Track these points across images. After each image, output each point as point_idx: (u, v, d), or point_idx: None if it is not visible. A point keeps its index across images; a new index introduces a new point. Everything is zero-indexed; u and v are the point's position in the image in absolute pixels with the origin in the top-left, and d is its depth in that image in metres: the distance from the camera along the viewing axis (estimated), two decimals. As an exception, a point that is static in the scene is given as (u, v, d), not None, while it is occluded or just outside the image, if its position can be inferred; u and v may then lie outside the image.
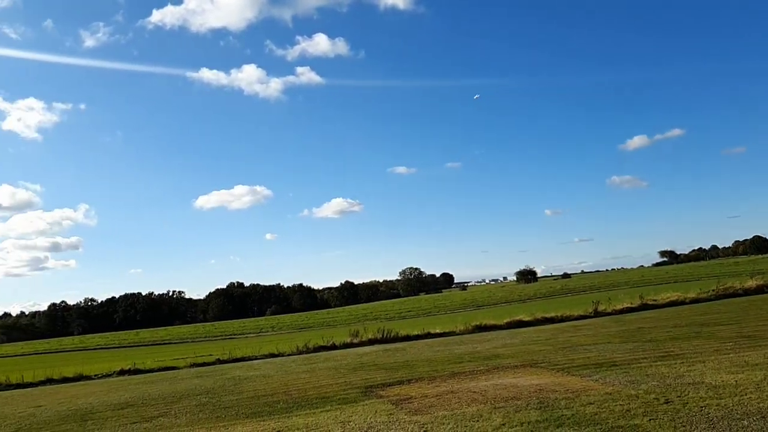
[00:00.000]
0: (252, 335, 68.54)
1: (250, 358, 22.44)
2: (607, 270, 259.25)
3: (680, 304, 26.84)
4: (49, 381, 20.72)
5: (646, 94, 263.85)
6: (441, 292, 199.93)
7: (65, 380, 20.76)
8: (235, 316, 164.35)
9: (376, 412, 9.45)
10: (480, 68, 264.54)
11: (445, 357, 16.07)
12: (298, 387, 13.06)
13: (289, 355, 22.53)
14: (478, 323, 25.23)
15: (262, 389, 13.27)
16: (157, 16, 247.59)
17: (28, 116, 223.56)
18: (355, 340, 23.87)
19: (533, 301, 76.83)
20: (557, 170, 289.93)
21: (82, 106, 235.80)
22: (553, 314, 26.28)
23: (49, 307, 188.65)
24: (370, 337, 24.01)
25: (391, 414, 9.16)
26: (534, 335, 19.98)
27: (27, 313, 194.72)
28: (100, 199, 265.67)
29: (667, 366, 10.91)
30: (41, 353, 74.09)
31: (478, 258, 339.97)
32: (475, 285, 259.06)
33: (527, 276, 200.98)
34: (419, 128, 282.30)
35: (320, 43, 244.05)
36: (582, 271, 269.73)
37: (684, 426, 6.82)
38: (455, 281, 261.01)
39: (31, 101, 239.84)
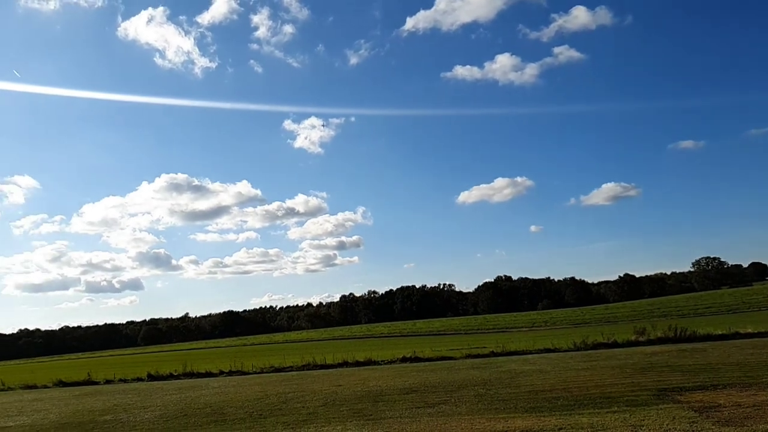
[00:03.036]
0: (524, 329, 68.08)
1: (524, 352, 22.13)
2: None
3: None
4: (345, 364, 23.55)
5: None
6: (750, 285, 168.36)
7: (357, 364, 23.38)
8: (504, 310, 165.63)
9: (673, 418, 8.24)
10: None
11: (762, 361, 13.51)
12: (578, 384, 12.30)
13: (565, 351, 21.55)
14: (805, 322, 20.49)
15: (540, 384, 12.84)
16: (410, 23, 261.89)
17: (311, 134, 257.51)
18: (641, 338, 21.73)
19: None
20: None
21: (352, 119, 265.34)
22: None
23: (341, 298, 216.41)
24: (659, 335, 21.66)
25: (693, 422, 7.89)
26: None
27: (324, 303, 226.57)
28: (374, 200, 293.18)
29: None
30: (337, 339, 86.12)
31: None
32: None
33: None
34: (707, 92, 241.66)
35: (579, 17, 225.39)
36: None
37: None
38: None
39: (313, 120, 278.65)
